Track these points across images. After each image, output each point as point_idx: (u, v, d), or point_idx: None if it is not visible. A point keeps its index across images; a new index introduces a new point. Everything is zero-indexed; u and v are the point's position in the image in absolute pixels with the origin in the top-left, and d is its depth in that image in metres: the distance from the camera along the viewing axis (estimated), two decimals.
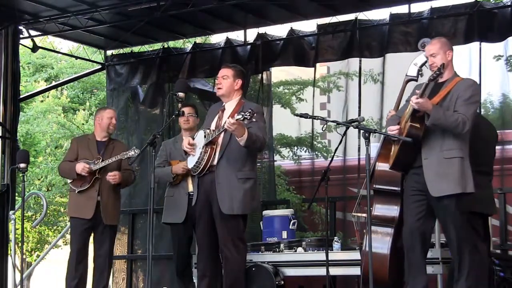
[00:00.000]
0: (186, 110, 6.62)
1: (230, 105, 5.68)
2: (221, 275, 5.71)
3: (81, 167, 6.56)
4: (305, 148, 12.22)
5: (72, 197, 6.76)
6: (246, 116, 5.21)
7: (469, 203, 5.50)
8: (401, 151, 5.10)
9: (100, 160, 6.59)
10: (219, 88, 5.69)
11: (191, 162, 5.65)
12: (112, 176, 6.56)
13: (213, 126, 5.66)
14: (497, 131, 6.09)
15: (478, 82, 5.21)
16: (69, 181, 6.81)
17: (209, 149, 5.50)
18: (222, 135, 5.53)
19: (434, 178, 5.00)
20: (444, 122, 4.94)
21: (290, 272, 6.94)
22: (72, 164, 6.66)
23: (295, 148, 12.31)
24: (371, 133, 4.90)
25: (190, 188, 6.45)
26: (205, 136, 5.53)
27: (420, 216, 5.07)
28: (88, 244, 6.75)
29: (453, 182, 4.98)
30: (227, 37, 9.54)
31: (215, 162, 5.52)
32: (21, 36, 9.34)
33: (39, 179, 16.66)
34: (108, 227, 6.66)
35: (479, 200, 5.56)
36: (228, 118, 5.42)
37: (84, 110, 17.41)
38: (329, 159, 6.90)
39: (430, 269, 6.15)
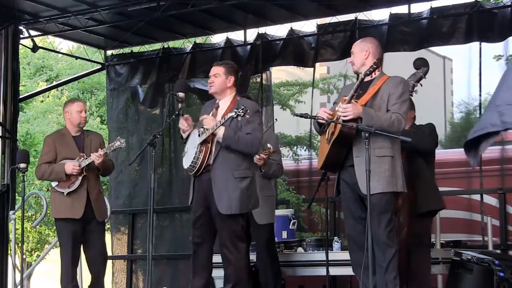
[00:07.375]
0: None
1: (224, 103, 5.61)
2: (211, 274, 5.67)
3: (71, 166, 6.25)
4: (304, 147, 12.25)
5: (57, 199, 6.38)
6: (239, 113, 5.19)
7: (420, 205, 5.68)
8: (332, 150, 5.09)
9: (84, 158, 6.29)
10: (211, 86, 5.63)
11: (186, 162, 5.57)
12: (97, 155, 6.21)
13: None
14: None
15: (406, 79, 5.33)
16: (53, 184, 6.39)
17: (204, 148, 5.44)
18: None
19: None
20: (377, 123, 4.90)
21: (290, 272, 6.94)
22: (58, 166, 6.32)
23: (295, 147, 12.33)
24: (371, 133, 4.88)
25: None
26: (199, 135, 5.48)
27: (364, 215, 4.98)
28: (80, 244, 6.41)
29: (384, 181, 4.96)
30: (227, 37, 9.53)
31: (211, 161, 5.46)
32: (21, 36, 9.33)
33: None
34: (98, 224, 6.41)
35: (427, 197, 5.73)
36: (221, 117, 5.42)
37: None
38: None
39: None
